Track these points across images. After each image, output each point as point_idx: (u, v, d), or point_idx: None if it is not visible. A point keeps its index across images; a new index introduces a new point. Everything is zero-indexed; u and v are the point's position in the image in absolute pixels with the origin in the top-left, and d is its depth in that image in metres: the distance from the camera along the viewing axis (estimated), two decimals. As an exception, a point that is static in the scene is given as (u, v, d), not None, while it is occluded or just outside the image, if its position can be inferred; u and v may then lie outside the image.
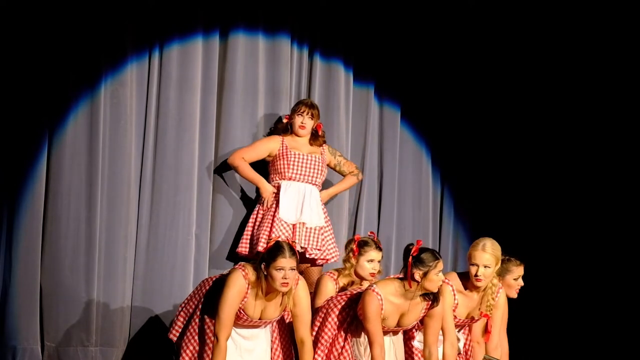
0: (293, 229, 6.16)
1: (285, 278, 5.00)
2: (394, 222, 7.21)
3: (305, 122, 6.32)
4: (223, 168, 6.50)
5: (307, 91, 6.83)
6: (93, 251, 5.98)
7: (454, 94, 7.43)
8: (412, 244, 5.23)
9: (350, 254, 5.71)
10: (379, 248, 5.73)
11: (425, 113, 7.38)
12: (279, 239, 5.16)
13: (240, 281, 5.04)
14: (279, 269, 4.98)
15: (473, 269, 5.43)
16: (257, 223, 6.22)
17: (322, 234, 6.25)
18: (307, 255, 6.18)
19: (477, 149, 7.51)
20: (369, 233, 5.97)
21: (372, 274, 5.69)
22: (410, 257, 5.16)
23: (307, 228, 6.19)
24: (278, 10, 6.64)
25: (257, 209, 6.29)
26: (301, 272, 6.12)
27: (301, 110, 6.33)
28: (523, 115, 7.47)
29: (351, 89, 7.00)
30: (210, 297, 5.22)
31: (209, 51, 6.44)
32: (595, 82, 7.20)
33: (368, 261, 5.69)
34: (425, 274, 5.14)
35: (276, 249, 5.01)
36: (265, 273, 5.02)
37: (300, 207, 6.20)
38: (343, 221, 6.88)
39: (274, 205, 6.19)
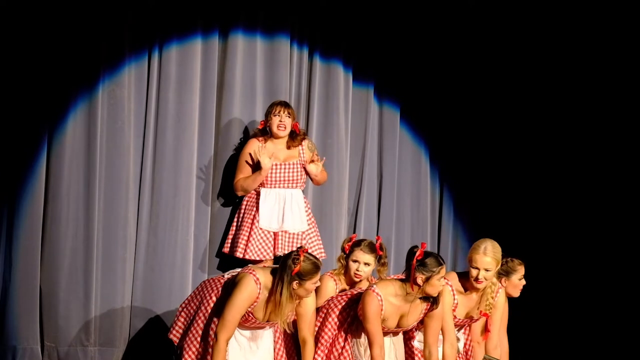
0: (274, 236, 6.16)
1: (309, 293, 5.10)
2: (394, 222, 7.20)
3: (284, 121, 6.24)
4: (222, 168, 6.50)
5: (307, 91, 6.83)
6: (92, 251, 5.98)
7: (453, 95, 7.43)
8: (416, 247, 5.19)
9: (342, 253, 5.67)
10: (370, 250, 5.58)
11: (424, 113, 7.38)
12: (318, 262, 5.10)
13: (252, 286, 5.04)
14: (309, 290, 5.07)
15: (474, 272, 5.42)
16: (238, 226, 6.23)
17: (305, 238, 6.23)
18: None
19: (476, 149, 7.50)
20: (375, 238, 5.88)
21: (357, 275, 5.58)
22: (414, 261, 5.14)
23: (289, 235, 6.19)
24: (278, 11, 6.63)
25: (238, 211, 6.29)
26: None
27: (277, 111, 6.24)
28: (522, 115, 7.47)
29: (351, 89, 7.00)
30: (219, 300, 5.21)
31: (209, 52, 6.43)
32: (595, 82, 7.19)
33: (353, 261, 5.58)
34: (427, 279, 5.13)
35: (313, 272, 5.03)
36: (294, 288, 5.02)
37: (282, 215, 6.18)
38: (343, 221, 6.88)
39: (253, 212, 6.18)
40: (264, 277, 5.08)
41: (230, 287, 5.11)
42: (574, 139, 7.31)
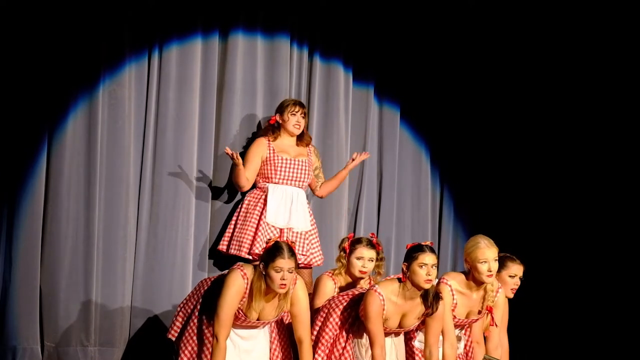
0: (280, 233, 6.16)
1: (284, 279, 4.99)
2: (394, 222, 7.20)
3: (300, 121, 6.29)
4: (222, 169, 6.50)
5: (307, 91, 6.84)
6: (92, 251, 5.99)
7: (453, 94, 7.44)
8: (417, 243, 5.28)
9: (342, 253, 5.70)
10: (371, 246, 5.66)
11: (424, 113, 7.38)
12: (279, 240, 5.15)
13: (239, 281, 5.05)
14: (278, 270, 4.98)
15: (484, 267, 5.39)
16: (240, 223, 6.21)
17: (307, 238, 6.24)
18: None
19: (476, 149, 7.51)
20: (370, 235, 5.93)
21: (362, 272, 5.64)
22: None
23: (293, 232, 6.19)
24: (278, 11, 6.64)
25: (239, 208, 6.27)
26: None
27: (295, 110, 6.28)
28: (522, 115, 7.47)
29: (351, 89, 7.00)
30: (209, 297, 5.23)
31: (209, 51, 6.43)
32: (595, 82, 7.20)
33: (357, 258, 5.64)
34: (408, 266, 5.15)
35: (275, 250, 5.01)
36: (263, 273, 5.02)
37: (289, 212, 6.19)
38: (343, 221, 6.88)
39: (259, 208, 6.18)
40: (251, 273, 5.08)
41: (220, 285, 5.12)
42: (573, 139, 7.32)
